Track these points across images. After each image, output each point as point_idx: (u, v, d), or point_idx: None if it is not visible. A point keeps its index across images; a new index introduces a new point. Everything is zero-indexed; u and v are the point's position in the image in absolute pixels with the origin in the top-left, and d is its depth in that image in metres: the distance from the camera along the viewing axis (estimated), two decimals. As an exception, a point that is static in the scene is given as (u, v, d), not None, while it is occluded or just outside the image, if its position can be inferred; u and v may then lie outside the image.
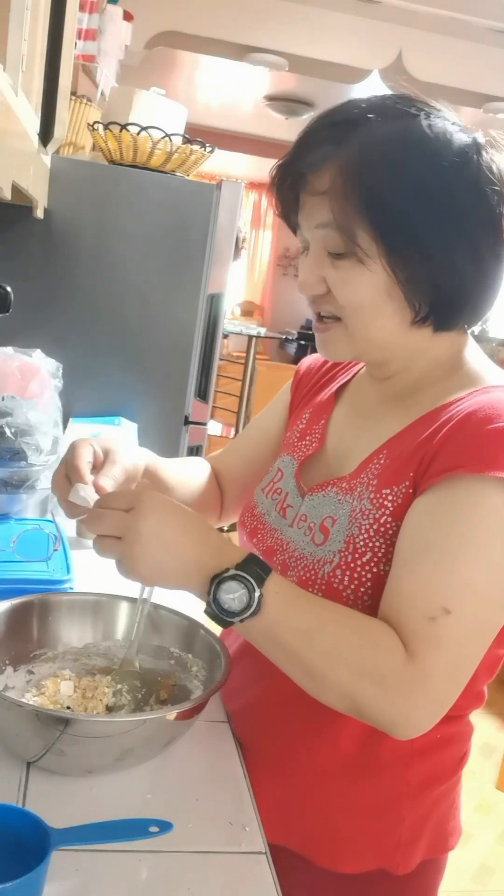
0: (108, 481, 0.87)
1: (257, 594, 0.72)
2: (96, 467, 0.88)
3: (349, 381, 1.01)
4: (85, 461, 0.87)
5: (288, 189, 0.84)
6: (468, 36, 3.89)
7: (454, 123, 0.80)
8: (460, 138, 0.79)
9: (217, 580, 0.72)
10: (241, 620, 0.73)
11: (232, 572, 0.72)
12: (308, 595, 0.77)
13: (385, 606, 0.76)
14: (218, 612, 0.73)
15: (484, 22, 3.70)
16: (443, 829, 0.93)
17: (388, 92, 0.84)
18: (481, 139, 0.80)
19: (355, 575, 0.80)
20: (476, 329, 0.89)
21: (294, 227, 0.88)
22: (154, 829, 0.68)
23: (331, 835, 0.88)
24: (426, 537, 0.75)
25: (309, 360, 1.11)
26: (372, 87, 4.16)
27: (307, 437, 0.98)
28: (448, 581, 0.72)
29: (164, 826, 0.68)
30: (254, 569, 0.73)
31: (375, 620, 0.75)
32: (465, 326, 0.87)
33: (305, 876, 0.87)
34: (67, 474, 0.87)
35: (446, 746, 0.89)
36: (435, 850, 0.92)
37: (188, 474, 1.08)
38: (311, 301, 0.86)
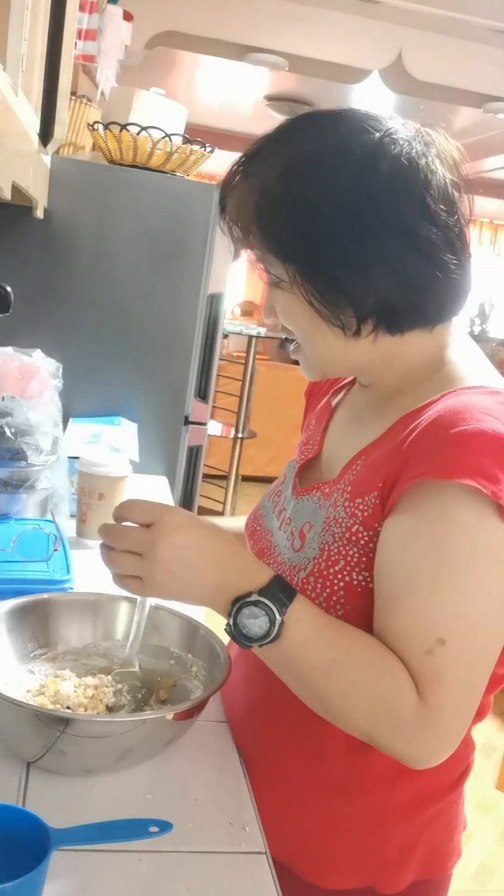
0: None
1: (278, 621, 0.71)
2: None
3: (350, 385, 1.01)
4: None
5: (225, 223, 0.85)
6: (468, 36, 3.88)
7: (363, 123, 0.77)
8: (362, 140, 0.75)
9: (238, 604, 0.72)
10: (260, 646, 0.72)
11: (254, 597, 0.71)
12: (329, 624, 0.75)
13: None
14: (237, 635, 0.72)
15: (484, 22, 3.69)
16: (439, 850, 0.90)
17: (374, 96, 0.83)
18: (398, 134, 0.76)
19: (328, 583, 0.79)
20: (476, 329, 0.88)
21: None
22: (154, 829, 0.68)
23: (317, 849, 0.87)
24: (406, 569, 0.72)
25: None
26: (372, 87, 4.16)
27: (310, 442, 0.98)
28: (437, 611, 0.70)
29: (164, 826, 0.68)
30: (277, 594, 0.72)
31: (391, 656, 0.73)
32: (432, 326, 0.82)
33: (292, 889, 0.84)
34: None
35: (442, 765, 0.84)
36: (430, 871, 0.89)
37: None
38: (280, 327, 0.86)
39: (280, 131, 0.81)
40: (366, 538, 0.78)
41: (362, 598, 0.78)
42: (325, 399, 1.02)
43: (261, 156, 0.80)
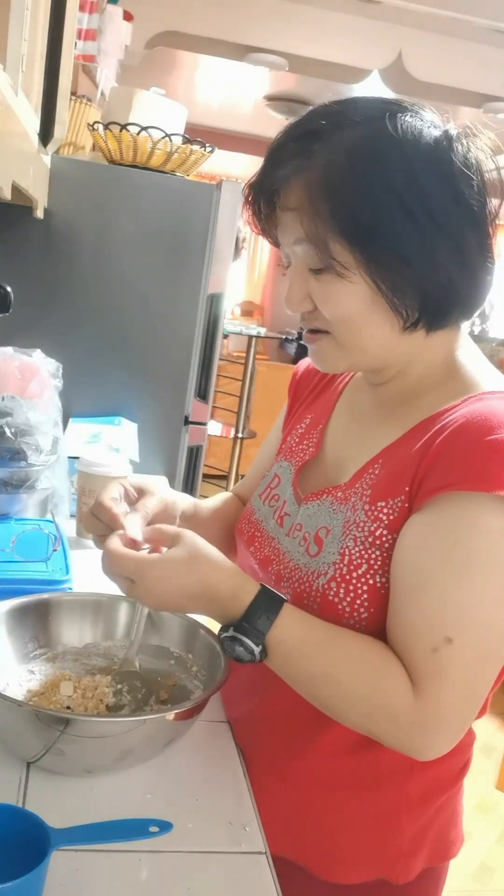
0: (138, 516, 0.85)
1: (258, 650, 0.75)
2: (131, 502, 0.89)
3: (347, 384, 0.99)
4: (109, 497, 0.86)
5: (264, 206, 0.83)
6: (468, 36, 3.89)
7: (426, 119, 0.78)
8: (430, 133, 0.76)
9: (221, 636, 0.78)
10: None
11: (231, 633, 0.76)
12: (316, 637, 0.77)
13: (389, 639, 0.76)
14: (229, 657, 0.78)
15: (484, 22, 3.69)
16: (444, 839, 0.92)
17: (375, 94, 0.82)
18: (454, 130, 0.78)
19: (350, 587, 0.79)
20: (476, 329, 0.88)
21: (276, 244, 0.86)
22: (154, 829, 0.68)
23: (330, 846, 0.87)
24: (424, 566, 0.73)
25: (307, 362, 1.08)
26: (372, 87, 4.16)
27: (305, 442, 0.97)
28: (448, 610, 0.72)
29: (164, 826, 0.68)
30: (258, 620, 0.75)
31: (383, 654, 0.75)
32: (457, 323, 0.85)
33: (305, 887, 0.87)
34: (94, 513, 0.86)
35: (447, 758, 0.85)
36: (436, 858, 0.91)
37: (222, 511, 1.09)
38: (301, 317, 0.84)
39: (331, 114, 0.78)
40: (390, 541, 0.78)
41: (386, 600, 0.78)
42: (325, 398, 1.01)
43: (319, 138, 0.77)
